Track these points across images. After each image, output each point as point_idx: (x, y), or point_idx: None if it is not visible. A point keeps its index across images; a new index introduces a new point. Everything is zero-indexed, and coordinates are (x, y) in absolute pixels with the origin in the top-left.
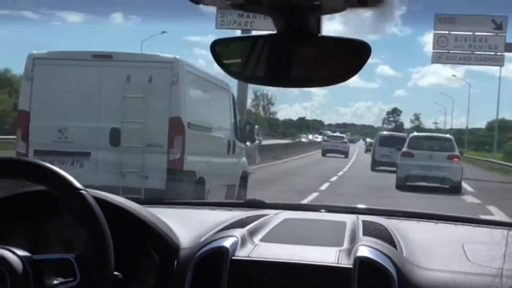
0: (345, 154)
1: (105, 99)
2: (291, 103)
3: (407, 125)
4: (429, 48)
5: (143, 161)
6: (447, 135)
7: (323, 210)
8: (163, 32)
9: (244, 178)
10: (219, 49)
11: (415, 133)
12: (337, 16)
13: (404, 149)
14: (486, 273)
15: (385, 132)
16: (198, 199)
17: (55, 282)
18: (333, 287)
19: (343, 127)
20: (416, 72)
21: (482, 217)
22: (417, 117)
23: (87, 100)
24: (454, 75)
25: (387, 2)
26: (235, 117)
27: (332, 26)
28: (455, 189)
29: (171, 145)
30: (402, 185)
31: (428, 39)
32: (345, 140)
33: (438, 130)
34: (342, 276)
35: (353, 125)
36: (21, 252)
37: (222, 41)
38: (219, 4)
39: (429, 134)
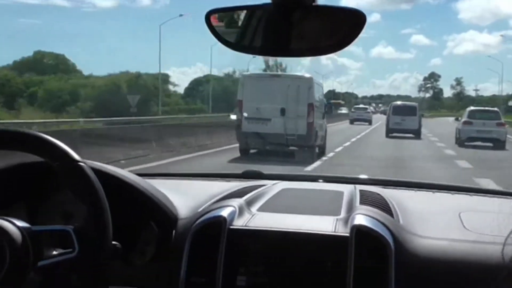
0: (369, 121)
1: (278, 95)
2: (325, 78)
3: (447, 92)
4: (463, 15)
5: (295, 122)
6: (495, 108)
7: (320, 180)
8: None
9: (325, 130)
10: (214, 19)
11: (471, 108)
12: None
13: (465, 119)
14: (482, 241)
15: (398, 102)
16: (317, 142)
17: (54, 253)
18: (330, 255)
19: (378, 98)
20: (451, 40)
21: (479, 186)
22: (459, 81)
23: (269, 94)
24: (502, 35)
25: None
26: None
27: None
28: (502, 146)
29: (308, 115)
30: (462, 144)
31: (462, 6)
32: (368, 110)
33: (492, 99)
34: (339, 245)
35: (388, 96)
36: (20, 223)
37: (217, 11)
38: None
39: (482, 107)
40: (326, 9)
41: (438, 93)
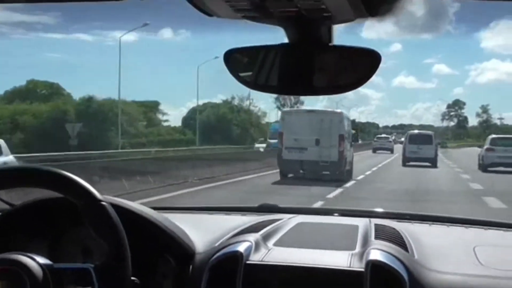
0: (391, 150)
1: (313, 127)
2: (347, 109)
3: (473, 120)
4: (485, 43)
5: (328, 150)
6: None
7: (336, 214)
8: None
9: (352, 157)
10: (232, 59)
11: (493, 135)
12: (387, 19)
13: (487, 146)
14: (498, 276)
15: (415, 131)
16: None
17: None
18: None
19: (400, 128)
20: (473, 69)
21: (493, 219)
22: (485, 109)
23: (306, 128)
24: None
25: (396, 12)
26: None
27: (383, 27)
28: None
29: (339, 145)
30: (485, 169)
31: (484, 35)
32: (390, 140)
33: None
34: (355, 280)
35: (410, 125)
36: (42, 260)
37: (235, 51)
38: (232, 16)
39: (503, 135)
40: (343, 49)
41: (462, 121)
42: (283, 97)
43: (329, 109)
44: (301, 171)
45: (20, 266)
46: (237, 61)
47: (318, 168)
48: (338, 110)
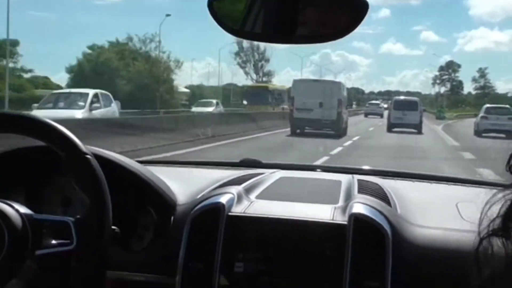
0: (380, 115)
1: (318, 93)
2: (336, 73)
3: (468, 85)
4: (473, 11)
5: (329, 111)
6: (507, 106)
7: (318, 170)
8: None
9: (347, 117)
10: (216, 6)
11: (487, 105)
12: None
13: (482, 114)
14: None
15: (400, 97)
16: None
17: (53, 242)
18: (328, 243)
19: (386, 94)
20: (461, 37)
21: (477, 178)
22: (483, 73)
23: (312, 93)
24: None
25: None
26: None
27: None
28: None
29: (338, 107)
30: (479, 135)
31: (472, 2)
32: (381, 106)
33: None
34: (337, 233)
35: (397, 92)
36: (22, 209)
37: None
38: None
39: (496, 105)
40: None
41: (457, 86)
42: (245, 54)
43: (331, 79)
44: (307, 127)
45: None
46: (222, 8)
47: (321, 125)
48: (337, 80)
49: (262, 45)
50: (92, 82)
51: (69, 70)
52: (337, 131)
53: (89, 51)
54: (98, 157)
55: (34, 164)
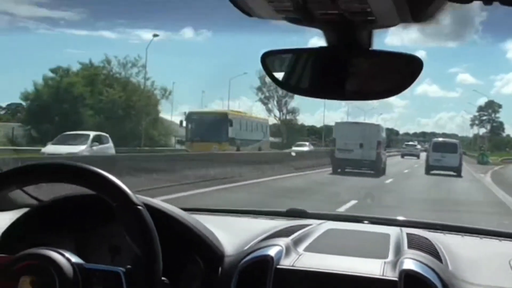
0: (417, 156)
1: (358, 135)
2: (368, 116)
3: (508, 127)
4: (511, 54)
5: (369, 152)
6: None
7: (366, 222)
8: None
9: (386, 158)
10: (269, 61)
11: None
12: (429, 24)
13: None
14: None
15: (439, 139)
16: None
17: None
18: None
19: (421, 136)
20: (499, 80)
21: None
22: None
23: (353, 135)
24: None
25: (440, 18)
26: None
27: (408, 35)
28: None
29: (377, 147)
30: None
31: (510, 45)
32: (417, 147)
33: None
34: None
35: (433, 134)
36: (73, 258)
37: (272, 52)
38: (273, 16)
39: None
40: (383, 54)
41: (497, 127)
42: (268, 89)
43: (370, 122)
44: (348, 167)
45: (50, 262)
46: (274, 63)
47: (361, 164)
48: (377, 123)
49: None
50: (50, 113)
51: (24, 97)
52: (376, 170)
53: (52, 74)
54: (147, 206)
55: (83, 212)
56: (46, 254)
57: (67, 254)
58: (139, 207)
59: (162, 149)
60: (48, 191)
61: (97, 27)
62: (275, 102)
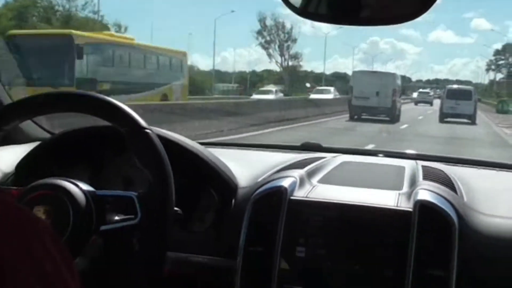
0: (430, 103)
1: (374, 83)
2: (384, 62)
3: None
4: None
5: (385, 99)
6: None
7: (381, 155)
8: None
9: (401, 104)
10: None
11: None
12: None
13: None
14: None
15: (453, 86)
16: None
17: (116, 218)
18: (392, 229)
19: (434, 83)
20: None
21: None
22: None
23: (369, 83)
24: None
25: None
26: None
27: None
28: None
29: (393, 95)
30: None
31: None
32: (431, 94)
33: None
34: (402, 219)
35: (446, 80)
36: (85, 187)
37: None
38: None
39: None
40: None
41: None
42: (268, 33)
43: (386, 71)
44: (364, 114)
45: (63, 191)
46: None
47: (377, 111)
48: (392, 72)
49: (288, 23)
50: None
51: None
52: (392, 117)
53: None
54: (161, 137)
55: (95, 144)
56: (58, 184)
57: (79, 183)
58: (148, 131)
59: None
60: (60, 125)
61: None
62: (276, 47)
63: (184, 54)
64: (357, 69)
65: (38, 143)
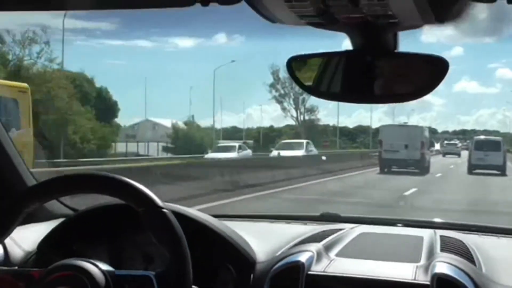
0: (458, 154)
1: (403, 136)
2: (409, 114)
3: None
4: None
5: (413, 152)
6: None
7: (399, 225)
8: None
9: (430, 157)
10: (295, 66)
11: None
12: (454, 25)
13: None
14: None
15: (481, 137)
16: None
17: None
18: None
19: (461, 133)
20: None
21: None
22: None
23: (398, 136)
24: None
25: (464, 18)
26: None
27: (443, 31)
28: None
29: (421, 148)
30: None
31: None
32: (458, 145)
33: None
34: None
35: (473, 131)
36: (104, 266)
37: (298, 57)
38: (296, 22)
39: None
40: (409, 56)
41: None
42: (282, 86)
43: (414, 124)
44: (394, 167)
45: (82, 272)
46: (299, 68)
47: (406, 164)
48: (420, 125)
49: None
50: None
51: None
52: (421, 169)
53: None
54: (175, 213)
55: (116, 221)
56: (78, 265)
57: (98, 263)
58: (164, 210)
59: None
60: (82, 201)
61: (132, 37)
62: (291, 101)
63: (22, 90)
64: (382, 122)
65: (60, 220)
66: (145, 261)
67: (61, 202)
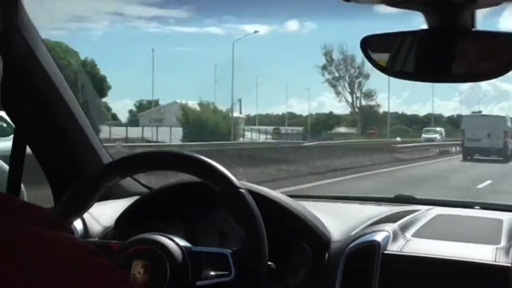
0: None
1: (485, 126)
2: (484, 105)
3: None
4: None
5: (496, 141)
6: None
7: (477, 207)
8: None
9: None
10: (368, 45)
11: None
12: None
13: None
14: None
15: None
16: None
17: (211, 274)
18: (489, 285)
19: None
20: None
21: None
22: None
23: (480, 126)
24: None
25: None
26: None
27: None
28: None
29: (504, 137)
30: None
31: None
32: None
33: None
34: (500, 275)
35: None
36: (182, 242)
37: (372, 37)
38: (371, 0)
39: None
40: (487, 34)
41: None
42: (336, 68)
43: (496, 114)
44: (477, 155)
45: (160, 246)
46: (373, 47)
47: (489, 152)
48: (503, 115)
49: (360, 57)
50: None
51: None
52: (503, 157)
53: None
54: (252, 192)
55: (191, 199)
56: (156, 239)
57: (176, 239)
58: (241, 190)
59: None
60: (157, 180)
61: (205, 24)
62: (346, 84)
63: None
64: (458, 112)
65: (136, 198)
66: (220, 238)
67: (136, 180)
